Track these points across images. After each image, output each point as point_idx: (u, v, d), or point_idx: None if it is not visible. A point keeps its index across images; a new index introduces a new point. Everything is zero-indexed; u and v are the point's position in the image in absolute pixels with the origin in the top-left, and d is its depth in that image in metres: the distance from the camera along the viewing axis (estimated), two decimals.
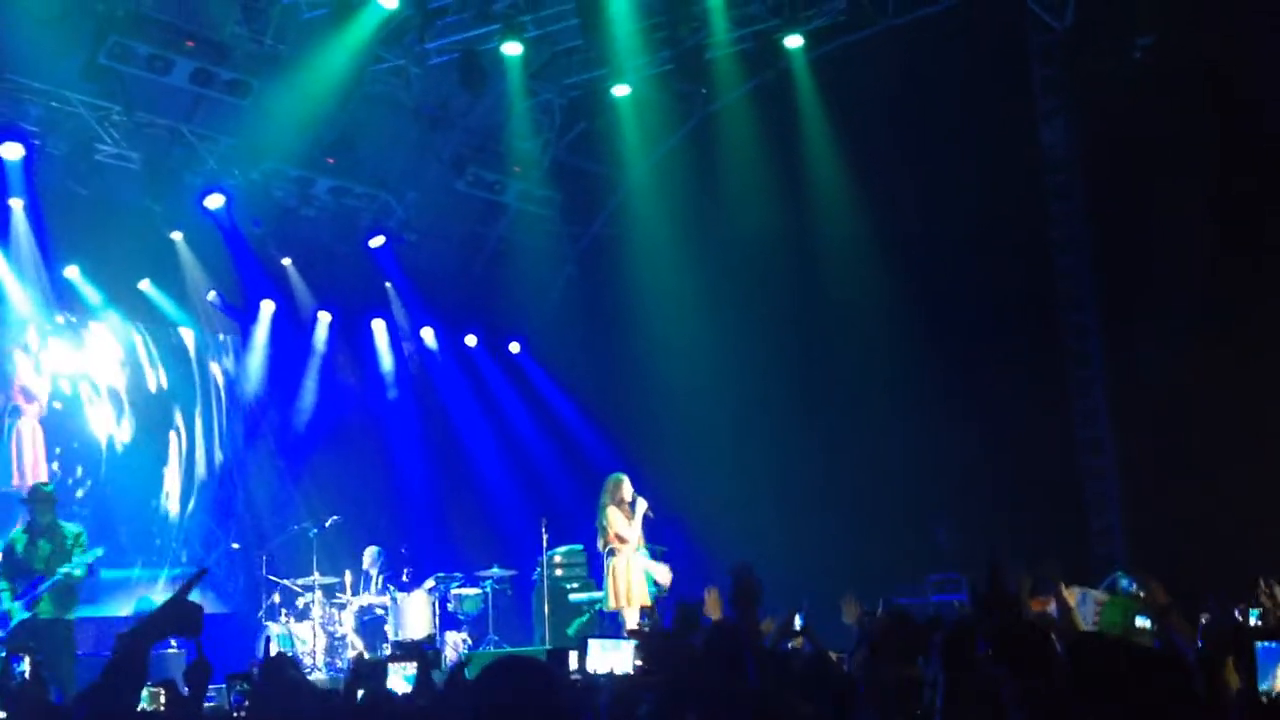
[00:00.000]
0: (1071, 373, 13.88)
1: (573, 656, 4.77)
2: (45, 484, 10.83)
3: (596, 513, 11.77)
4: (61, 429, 13.68)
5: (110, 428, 14.14)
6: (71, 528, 10.38)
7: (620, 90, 14.73)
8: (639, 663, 3.32)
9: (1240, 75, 12.14)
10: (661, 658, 3.50)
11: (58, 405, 13.70)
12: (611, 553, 11.57)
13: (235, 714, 4.65)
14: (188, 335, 14.96)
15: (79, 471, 13.66)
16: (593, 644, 3.45)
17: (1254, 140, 11.98)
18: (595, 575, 12.80)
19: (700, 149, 15.57)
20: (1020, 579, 6.16)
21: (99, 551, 10.51)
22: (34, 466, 12.92)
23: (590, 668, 3.47)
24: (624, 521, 11.58)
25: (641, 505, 11.67)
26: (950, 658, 3.67)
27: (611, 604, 11.55)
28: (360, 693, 4.29)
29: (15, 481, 12.83)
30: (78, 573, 10.08)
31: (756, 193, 15.02)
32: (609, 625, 11.56)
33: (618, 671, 3.43)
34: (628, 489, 11.70)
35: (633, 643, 3.42)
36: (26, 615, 9.85)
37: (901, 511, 13.70)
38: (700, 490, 14.67)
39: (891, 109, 13.86)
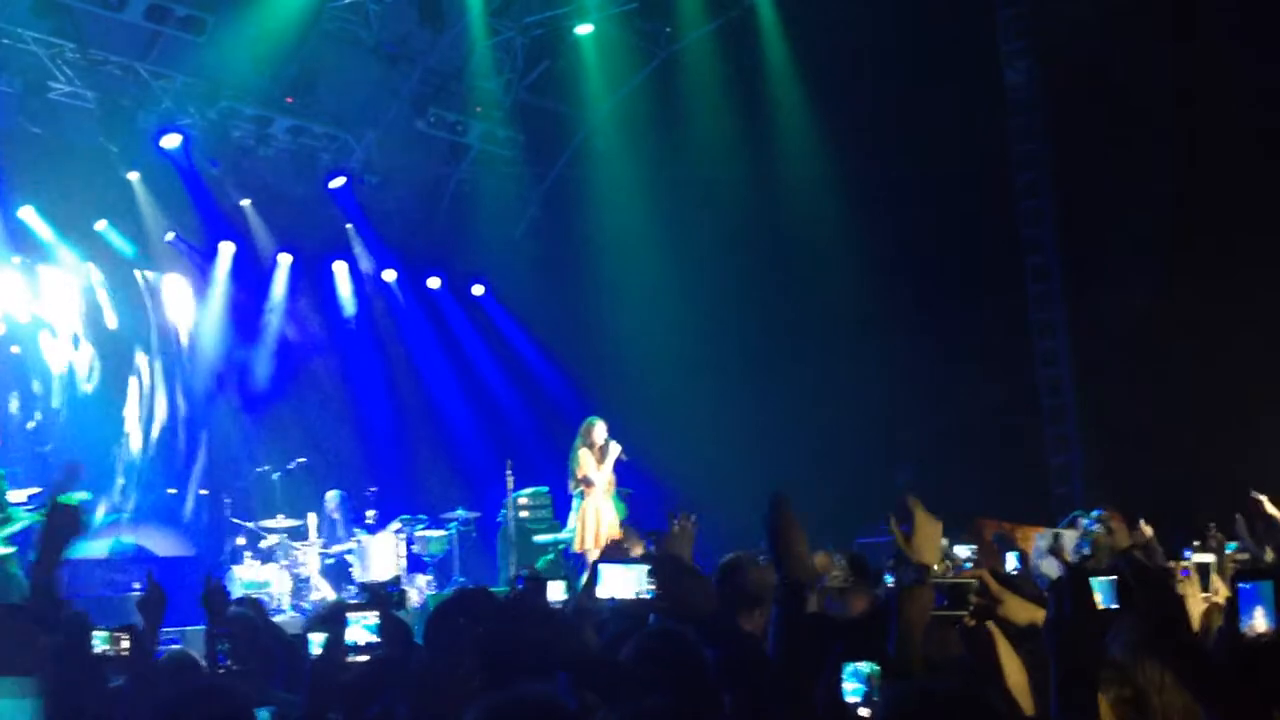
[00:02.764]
0: (1033, 314, 13.99)
1: (553, 587, 4.79)
2: None
3: (569, 454, 11.82)
4: (20, 372, 13.53)
5: (69, 370, 14.00)
6: None
7: (583, 29, 14.59)
8: (652, 586, 3.32)
9: (1207, 16, 12.14)
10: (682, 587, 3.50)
11: (15, 349, 13.54)
12: (581, 495, 11.65)
13: (219, 670, 4.60)
14: (146, 277, 14.79)
15: (38, 415, 13.53)
16: (603, 569, 3.45)
17: (1221, 82, 12.00)
18: (560, 517, 12.84)
19: (664, 88, 15.47)
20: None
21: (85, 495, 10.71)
22: None
23: (601, 594, 3.48)
24: (593, 464, 11.64)
25: (614, 449, 11.73)
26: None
27: (578, 545, 11.63)
28: (317, 637, 4.24)
29: None
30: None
31: (720, 132, 14.97)
32: (576, 565, 11.63)
33: (626, 596, 3.45)
34: (600, 432, 11.76)
35: (644, 567, 3.41)
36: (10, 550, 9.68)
37: (864, 451, 13.79)
38: (663, 432, 14.70)
39: (856, 48, 13.79)
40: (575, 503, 11.77)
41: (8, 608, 4.89)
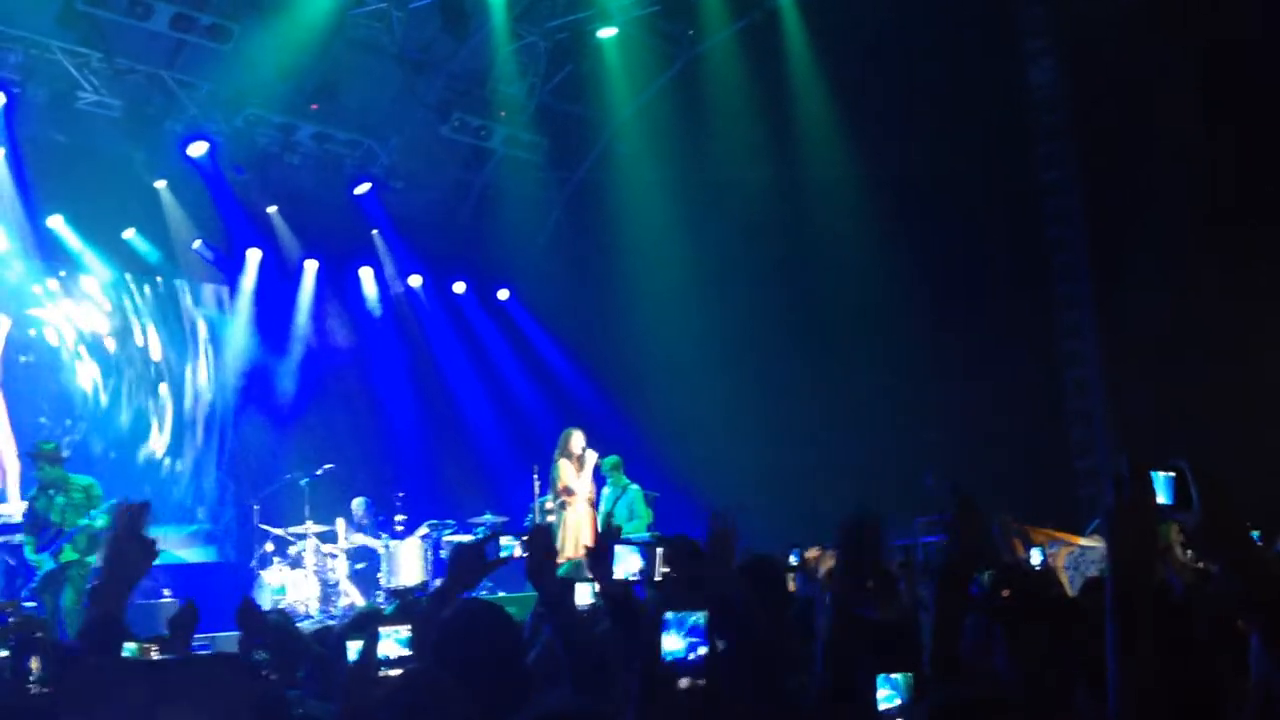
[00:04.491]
0: (1060, 315, 13.90)
1: (580, 590, 4.82)
2: (46, 442, 10.83)
3: (550, 467, 11.90)
4: (49, 382, 13.62)
5: (98, 379, 14.09)
6: (81, 480, 10.49)
7: (606, 32, 14.59)
8: (665, 569, 3.37)
9: (1227, 10, 12.06)
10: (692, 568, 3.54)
11: (44, 358, 13.64)
12: (563, 505, 11.70)
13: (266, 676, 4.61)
14: (173, 285, 14.88)
15: (67, 424, 13.62)
16: (617, 549, 3.54)
17: (1242, 76, 11.92)
18: None
19: (687, 91, 15.46)
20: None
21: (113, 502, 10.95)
22: None
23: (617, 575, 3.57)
24: (573, 474, 11.70)
25: (591, 458, 11.78)
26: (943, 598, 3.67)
27: (560, 556, 11.66)
28: (354, 645, 4.21)
29: None
30: (98, 523, 10.25)
31: (743, 134, 14.94)
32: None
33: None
34: (578, 442, 11.80)
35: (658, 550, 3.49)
36: (54, 566, 10.06)
37: (890, 453, 13.73)
38: (688, 434, 14.70)
39: (880, 49, 13.75)
40: (557, 515, 11.82)
41: (219, 656, 4.93)
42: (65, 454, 10.62)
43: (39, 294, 13.66)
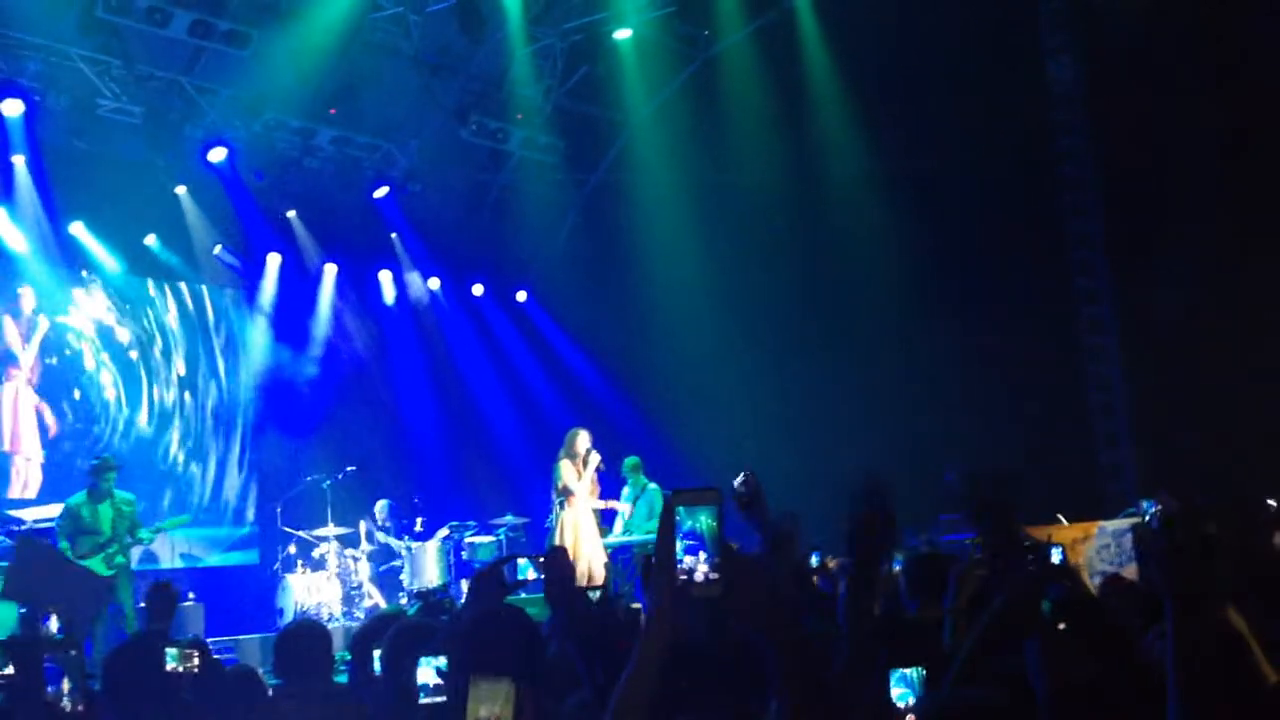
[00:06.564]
0: (1081, 309, 13.85)
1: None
2: (109, 456, 10.97)
3: (553, 466, 11.94)
4: (71, 387, 13.71)
5: (119, 384, 14.17)
6: (125, 494, 10.71)
7: (622, 34, 14.60)
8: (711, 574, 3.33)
9: (1248, 6, 12.00)
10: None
11: (66, 353, 13.72)
12: (562, 505, 11.74)
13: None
14: (195, 290, 14.95)
15: (91, 429, 13.71)
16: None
17: (1263, 72, 11.85)
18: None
19: (704, 92, 15.45)
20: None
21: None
22: (16, 431, 13.10)
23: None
24: (574, 475, 11.72)
25: (594, 459, 11.81)
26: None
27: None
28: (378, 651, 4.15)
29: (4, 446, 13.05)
30: (144, 536, 10.80)
31: (761, 134, 14.91)
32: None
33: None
34: (582, 443, 11.83)
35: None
36: (110, 572, 10.28)
37: (910, 451, 13.69)
38: (707, 433, 14.69)
39: (897, 47, 13.71)
40: (554, 513, 11.85)
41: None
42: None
43: (62, 300, 13.75)
